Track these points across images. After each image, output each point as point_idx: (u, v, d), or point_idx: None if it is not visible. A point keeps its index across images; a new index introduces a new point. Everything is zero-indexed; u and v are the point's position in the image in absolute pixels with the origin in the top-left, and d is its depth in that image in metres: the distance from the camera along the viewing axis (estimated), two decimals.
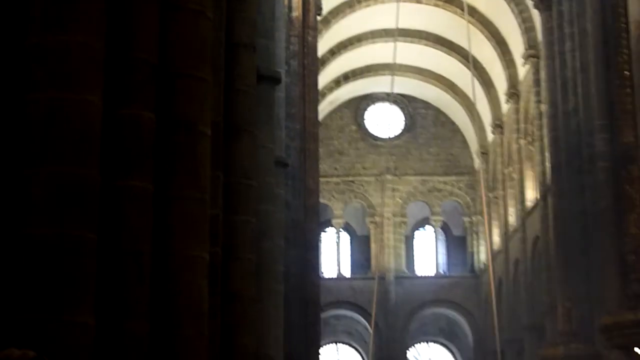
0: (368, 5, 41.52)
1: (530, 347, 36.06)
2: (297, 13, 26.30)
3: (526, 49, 37.83)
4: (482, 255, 47.86)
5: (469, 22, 37.10)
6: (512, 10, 38.48)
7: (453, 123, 50.36)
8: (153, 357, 7.15)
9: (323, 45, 36.17)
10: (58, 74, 6.73)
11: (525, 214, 39.21)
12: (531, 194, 38.33)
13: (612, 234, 28.25)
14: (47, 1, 6.81)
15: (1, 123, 6.99)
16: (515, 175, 41.51)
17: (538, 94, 35.96)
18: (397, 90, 49.06)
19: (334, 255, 47.38)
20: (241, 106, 12.34)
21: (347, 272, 48.23)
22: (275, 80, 18.52)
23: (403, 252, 48.97)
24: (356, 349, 48.90)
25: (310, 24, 27.70)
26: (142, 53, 7.33)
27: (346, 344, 49.01)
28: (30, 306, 6.41)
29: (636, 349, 25.97)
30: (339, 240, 48.76)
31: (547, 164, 33.77)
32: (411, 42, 44.79)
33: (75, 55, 6.78)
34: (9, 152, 6.87)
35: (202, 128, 7.83)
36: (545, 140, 34.14)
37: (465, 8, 35.90)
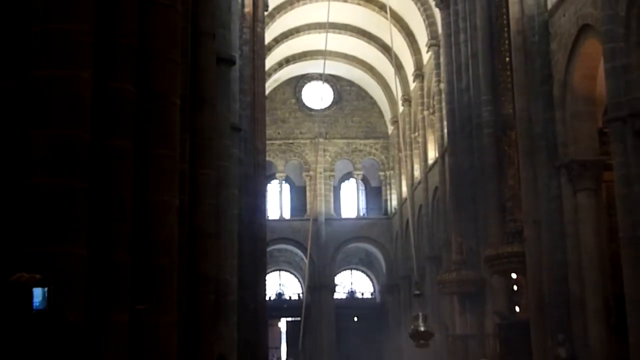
0: (305, 4, 41.26)
1: (431, 273, 36.47)
2: (248, 9, 26.12)
3: (429, 40, 37.94)
4: (393, 202, 48.30)
5: (384, 17, 37.29)
6: (419, 9, 38.55)
7: (372, 98, 50.46)
8: (134, 282, 7.19)
9: (269, 35, 35.99)
10: (57, 55, 6.71)
11: (427, 170, 39.51)
12: (432, 154, 38.58)
13: (494, 185, 28.57)
14: None
15: (9, 95, 6.96)
16: (419, 139, 41.72)
17: (438, 75, 36.11)
18: (327, 71, 48.92)
19: (277, 201, 47.34)
20: (204, 82, 12.30)
21: (287, 215, 48.23)
22: (231, 62, 18.45)
23: (331, 199, 49.07)
24: (295, 275, 49.02)
25: (259, 18, 27.56)
26: (124, 39, 7.32)
27: (287, 271, 49.09)
28: (35, 241, 6.43)
29: (513, 275, 26.42)
30: (281, 189, 48.73)
31: (445, 130, 34.08)
32: (339, 33, 44.64)
33: (70, 40, 6.76)
34: (16, 118, 6.85)
35: (173, 99, 7.83)
36: (444, 112, 34.40)
37: (388, 8, 35.95)
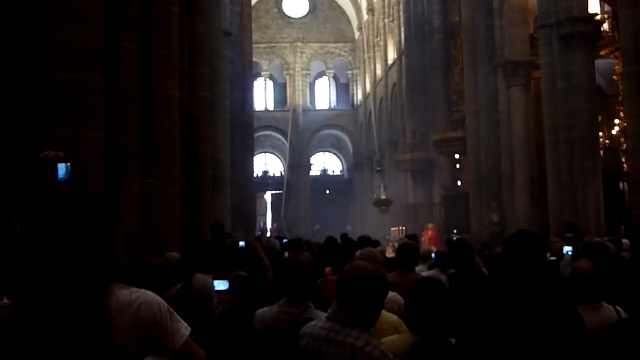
0: None
1: (389, 154, 36.64)
2: None
3: None
4: (359, 96, 48.18)
5: None
6: None
7: (341, 7, 49.60)
8: (144, 161, 7.21)
9: None
10: None
11: (387, 69, 39.25)
12: (391, 55, 38.23)
13: (442, 82, 28.62)
14: None
15: (30, 5, 6.80)
16: (381, 43, 41.33)
17: None
18: None
19: (262, 95, 46.98)
20: None
21: (271, 107, 48.00)
22: None
23: (307, 93, 48.83)
24: (277, 156, 49.19)
25: None
26: None
27: (271, 153, 49.19)
28: (59, 126, 6.40)
29: (456, 155, 26.73)
30: (265, 85, 48.38)
31: (402, 36, 33.64)
32: None
33: None
34: (37, 23, 6.71)
35: (172, 7, 7.68)
36: (401, 20, 33.90)
37: None
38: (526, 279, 3.25)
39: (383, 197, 33.57)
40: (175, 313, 2.11)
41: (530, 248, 3.26)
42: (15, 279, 2.07)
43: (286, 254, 9.50)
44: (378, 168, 37.65)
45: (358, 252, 5.37)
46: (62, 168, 2.55)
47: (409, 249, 5.56)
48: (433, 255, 7.82)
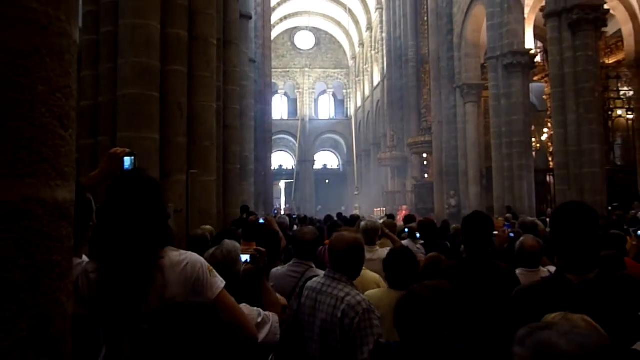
0: None
1: (374, 154, 36.62)
2: None
3: (376, 4, 36.87)
4: (351, 109, 48.09)
5: None
6: None
7: (339, 42, 49.40)
8: (188, 156, 7.21)
9: (273, 0, 34.66)
10: (135, 10, 6.53)
11: (373, 88, 39.15)
12: (376, 78, 38.13)
13: (414, 98, 28.55)
14: None
15: (107, 38, 6.79)
16: (369, 69, 41.26)
17: (381, 28, 35.28)
18: (311, 24, 48.04)
19: (279, 107, 46.91)
20: (231, 30, 11.99)
21: (285, 116, 47.92)
22: (249, 17, 17.98)
23: (313, 107, 48.74)
24: (289, 154, 49.10)
25: None
26: (180, 0, 7.09)
27: (284, 151, 49.15)
28: (125, 129, 6.42)
29: (424, 154, 26.68)
30: (281, 100, 48.32)
31: (385, 64, 33.56)
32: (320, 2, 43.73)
33: (144, 2, 6.58)
34: (110, 53, 6.71)
35: (211, 40, 7.65)
36: (384, 51, 33.83)
37: None
38: (479, 247, 3.31)
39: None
40: (213, 270, 2.12)
41: (481, 225, 3.34)
42: (96, 242, 2.09)
43: (295, 227, 9.54)
44: (356, 193, 38.15)
45: (363, 223, 5.46)
46: (128, 161, 2.57)
47: (371, 227, 5.46)
48: (406, 230, 7.81)
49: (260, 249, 3.02)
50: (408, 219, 9.13)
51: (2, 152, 1.25)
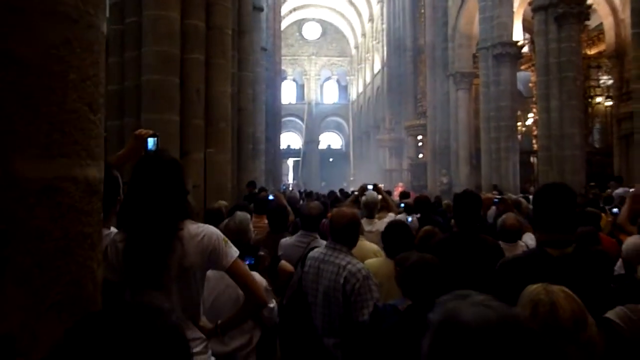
0: None
1: (373, 135, 36.49)
2: None
3: None
4: (354, 94, 47.81)
5: None
6: None
7: (343, 33, 48.97)
8: (205, 137, 7.19)
9: None
10: (159, 2, 6.47)
11: (374, 75, 38.85)
12: (377, 67, 37.83)
13: (411, 84, 28.34)
14: None
15: (130, 29, 6.74)
16: (370, 57, 40.89)
17: (382, 19, 34.91)
18: (317, 16, 47.59)
19: (288, 92, 46.67)
20: (245, 21, 11.89)
21: (293, 100, 47.71)
22: (261, 9, 17.80)
23: (319, 91, 48.61)
24: (297, 134, 48.98)
25: None
26: None
27: (293, 132, 49.07)
28: (149, 111, 6.41)
29: (419, 136, 26.59)
30: (290, 86, 48.08)
31: (385, 53, 33.23)
32: None
33: None
34: (135, 42, 6.66)
35: (226, 30, 7.58)
36: (384, 41, 33.46)
37: None
38: (469, 222, 3.33)
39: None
40: (228, 241, 2.14)
41: (471, 202, 3.37)
42: (123, 215, 2.11)
43: (301, 202, 9.57)
44: (351, 178, 38.28)
45: (364, 198, 5.49)
46: (151, 141, 2.57)
47: (371, 201, 5.49)
48: (402, 205, 7.82)
49: (262, 253, 3.13)
50: (403, 195, 9.17)
51: (37, 135, 1.25)
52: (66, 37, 1.32)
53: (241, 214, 3.27)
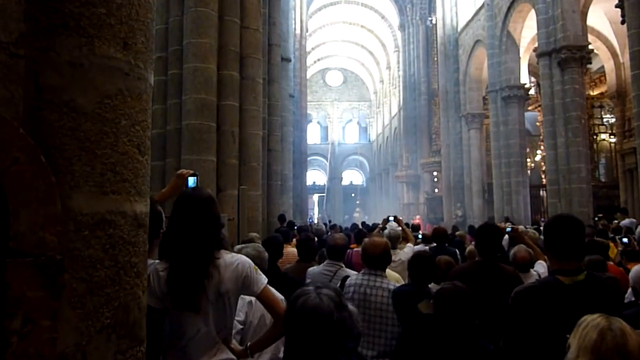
0: (328, 25, 40.17)
1: (392, 172, 36.33)
2: (297, 30, 25.44)
3: (395, 48, 36.82)
4: (373, 135, 47.96)
5: (370, 34, 36.49)
6: (390, 29, 37.27)
7: (363, 80, 49.52)
8: (239, 175, 7.26)
9: (309, 45, 34.62)
10: (197, 56, 6.65)
11: (391, 117, 38.99)
12: (394, 109, 37.99)
13: (426, 125, 28.28)
14: None
15: (174, 79, 6.94)
16: (387, 101, 41.12)
17: (398, 67, 35.21)
18: (340, 65, 48.35)
19: (313, 134, 47.06)
20: (274, 71, 12.14)
21: (318, 141, 48.06)
22: (289, 60, 18.13)
23: (341, 132, 48.96)
24: (322, 172, 49.14)
25: (303, 35, 26.77)
26: (232, 47, 7.17)
27: (317, 170, 49.24)
28: (188, 153, 6.49)
29: (434, 172, 26.38)
30: (315, 128, 48.55)
31: (401, 97, 33.43)
32: (346, 43, 43.86)
33: (204, 48, 6.69)
34: (177, 90, 6.85)
35: (258, 79, 7.74)
36: (400, 87, 33.70)
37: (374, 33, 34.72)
38: (490, 252, 3.31)
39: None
40: (258, 269, 2.14)
41: (493, 233, 3.37)
42: (165, 246, 2.13)
43: (327, 233, 9.52)
44: (356, 214, 38.42)
45: (386, 231, 5.43)
46: (191, 180, 2.63)
47: (394, 235, 5.38)
48: (420, 236, 7.75)
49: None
50: (414, 228, 9.16)
51: (92, 174, 1.29)
52: (119, 88, 1.37)
53: (253, 245, 3.27)
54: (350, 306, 1.44)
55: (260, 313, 2.69)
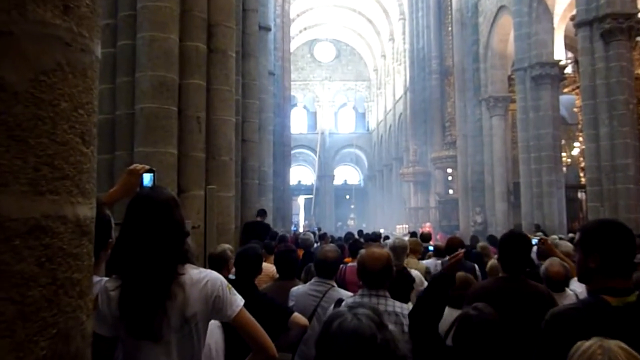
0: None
1: (396, 169, 36.55)
2: None
3: (400, 15, 36.97)
4: (372, 123, 48.14)
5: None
6: None
7: (360, 54, 49.72)
8: (206, 171, 7.25)
9: (293, 11, 34.71)
10: (154, 23, 6.64)
11: (395, 101, 39.17)
12: (398, 91, 38.18)
13: (438, 111, 28.50)
14: None
15: (124, 51, 6.91)
16: (390, 82, 41.34)
17: (404, 38, 35.40)
18: (331, 36, 48.45)
19: (298, 121, 47.13)
20: (250, 42, 12.14)
21: (304, 130, 48.15)
22: (268, 29, 18.15)
23: (333, 120, 49.10)
24: (309, 169, 49.27)
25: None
26: (198, 12, 7.17)
27: (304, 166, 49.32)
28: (143, 143, 6.50)
29: (448, 169, 26.52)
30: (300, 114, 48.63)
31: (407, 76, 33.60)
32: (339, 8, 43.90)
33: (164, 13, 6.68)
34: (128, 66, 6.82)
35: (230, 53, 7.73)
36: (407, 63, 33.87)
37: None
38: (517, 265, 3.32)
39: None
40: (232, 288, 2.15)
41: (520, 244, 3.37)
42: (115, 259, 2.13)
43: (315, 245, 9.54)
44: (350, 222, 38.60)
45: (391, 241, 5.45)
46: (147, 177, 2.63)
47: (400, 246, 5.41)
48: (431, 248, 7.79)
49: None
50: (424, 237, 9.22)
51: (25, 169, 1.28)
52: (58, 62, 1.35)
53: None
54: (391, 325, 1.50)
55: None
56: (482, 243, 8.68)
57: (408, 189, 32.56)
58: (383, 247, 5.44)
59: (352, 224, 39.38)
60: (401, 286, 3.79)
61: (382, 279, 3.18)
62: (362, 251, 3.35)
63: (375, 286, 3.18)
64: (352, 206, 38.97)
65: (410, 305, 3.77)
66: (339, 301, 3.38)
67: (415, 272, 5.25)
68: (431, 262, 6.62)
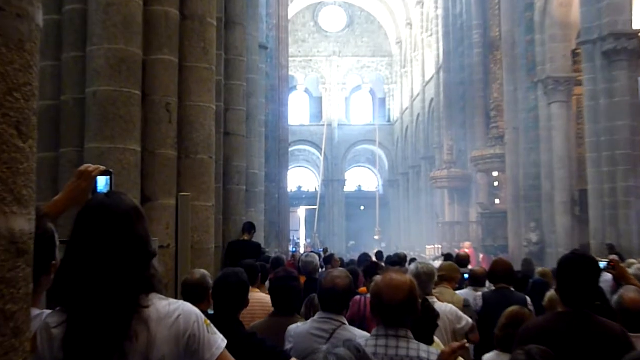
0: None
1: (425, 171, 36.56)
2: None
3: None
4: (396, 111, 48.16)
5: None
6: None
7: (379, 22, 49.81)
8: (178, 174, 7.26)
9: None
10: None
11: (425, 84, 39.17)
12: (429, 71, 38.19)
13: (480, 97, 28.49)
14: None
15: (71, 17, 6.94)
16: (419, 58, 41.33)
17: (436, 2, 35.46)
18: None
19: (299, 109, 47.20)
20: (236, 6, 12.16)
21: (306, 121, 48.23)
22: None
23: (343, 108, 49.10)
24: (312, 171, 49.34)
25: None
26: None
27: (305, 168, 49.42)
28: (97, 138, 6.51)
29: (494, 173, 26.49)
30: (301, 99, 48.71)
31: (441, 50, 33.61)
32: None
33: None
34: (78, 36, 6.84)
35: (210, 20, 7.74)
36: (440, 34, 33.89)
37: None
38: (583, 297, 3.30)
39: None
40: (212, 325, 2.15)
41: (585, 268, 3.34)
42: (60, 286, 2.13)
43: (321, 270, 9.54)
44: (376, 237, 39.23)
45: (413, 266, 5.44)
46: (102, 181, 2.64)
47: (426, 272, 5.41)
48: (466, 276, 7.75)
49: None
50: (461, 261, 9.18)
51: None
52: None
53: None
54: None
55: None
56: (541, 269, 8.67)
57: (441, 198, 32.53)
58: (405, 272, 5.46)
59: (378, 238, 39.24)
60: (423, 323, 3.76)
61: (403, 314, 3.14)
62: (378, 278, 3.32)
63: (395, 324, 3.14)
64: (377, 237, 39.05)
65: (437, 348, 3.79)
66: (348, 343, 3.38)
67: (449, 307, 5.24)
68: (468, 293, 6.60)
